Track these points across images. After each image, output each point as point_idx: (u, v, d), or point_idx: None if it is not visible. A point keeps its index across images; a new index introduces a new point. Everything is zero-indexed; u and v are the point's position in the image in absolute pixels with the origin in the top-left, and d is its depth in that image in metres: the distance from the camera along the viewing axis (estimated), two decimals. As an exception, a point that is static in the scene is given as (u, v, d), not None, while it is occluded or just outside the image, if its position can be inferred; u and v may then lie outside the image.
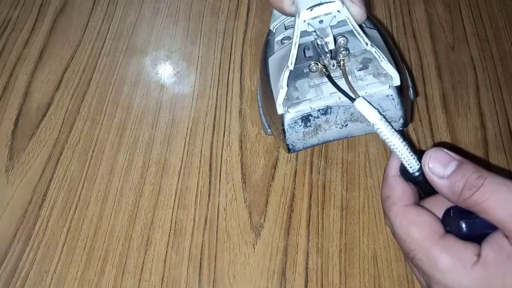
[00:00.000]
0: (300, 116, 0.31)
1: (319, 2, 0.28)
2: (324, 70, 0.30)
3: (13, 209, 0.39)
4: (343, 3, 0.28)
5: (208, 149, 0.43)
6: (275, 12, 0.41)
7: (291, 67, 0.30)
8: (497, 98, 0.46)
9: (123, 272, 0.37)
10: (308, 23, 0.29)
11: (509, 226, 0.23)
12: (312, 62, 0.31)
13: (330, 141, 0.33)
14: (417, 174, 0.27)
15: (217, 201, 0.40)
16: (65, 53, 0.48)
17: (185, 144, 0.43)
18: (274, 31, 0.40)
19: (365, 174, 0.41)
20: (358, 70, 0.31)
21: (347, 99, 0.29)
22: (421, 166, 0.27)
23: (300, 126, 0.32)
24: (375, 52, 0.30)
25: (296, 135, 0.32)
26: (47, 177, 0.41)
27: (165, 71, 0.48)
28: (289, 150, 0.33)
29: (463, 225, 0.25)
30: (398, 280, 0.37)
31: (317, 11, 0.28)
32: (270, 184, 0.41)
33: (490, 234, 0.24)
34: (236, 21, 0.51)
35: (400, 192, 0.27)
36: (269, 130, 0.38)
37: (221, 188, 0.41)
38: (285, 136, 0.32)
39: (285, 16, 0.36)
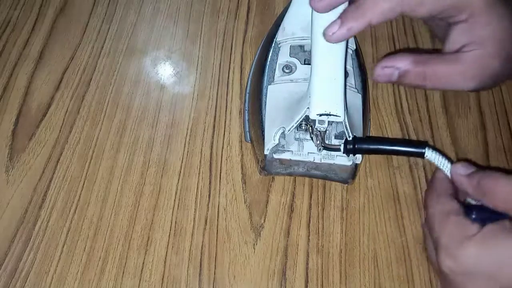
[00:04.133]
0: (279, 159, 0.38)
1: (328, 113, 0.34)
2: (315, 139, 0.36)
3: (13, 209, 0.39)
4: (345, 116, 0.34)
5: (208, 149, 0.43)
6: (285, 25, 0.41)
7: (287, 132, 0.37)
8: (497, 98, 0.46)
9: (123, 272, 0.37)
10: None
11: (509, 208, 0.28)
12: (303, 123, 0.37)
13: (297, 175, 0.40)
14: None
15: (217, 201, 0.40)
16: (65, 53, 0.48)
17: (185, 144, 0.43)
18: (279, 46, 0.42)
19: (365, 174, 0.41)
20: (335, 138, 0.38)
21: (319, 159, 0.37)
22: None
23: (276, 162, 0.38)
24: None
25: (271, 166, 0.39)
26: (47, 177, 0.41)
27: (165, 71, 0.48)
28: (260, 173, 0.40)
29: (474, 213, 0.30)
30: (398, 280, 0.37)
31: (325, 118, 0.34)
32: (270, 184, 0.41)
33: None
34: (236, 21, 0.51)
35: (443, 187, 0.33)
36: (249, 139, 0.42)
37: (221, 188, 0.41)
38: (263, 166, 0.39)
39: (294, 37, 0.38)
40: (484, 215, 0.30)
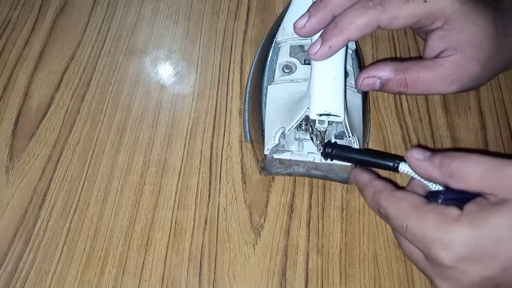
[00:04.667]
0: (279, 159, 0.38)
1: (328, 113, 0.34)
2: (315, 139, 0.36)
3: (13, 209, 0.39)
4: (345, 116, 0.34)
5: (208, 149, 0.43)
6: (285, 25, 0.42)
7: (287, 132, 0.37)
8: (497, 98, 0.46)
9: (123, 272, 0.37)
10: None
11: (484, 186, 0.27)
12: (303, 123, 0.37)
13: (297, 175, 0.40)
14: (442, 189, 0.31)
15: (217, 201, 0.40)
16: (65, 53, 0.48)
17: (185, 144, 0.43)
18: (279, 46, 0.42)
19: (365, 174, 0.41)
20: (334, 137, 0.37)
21: (319, 159, 0.37)
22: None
23: (276, 162, 0.38)
24: (354, 142, 0.36)
25: (271, 166, 0.39)
26: (47, 177, 0.41)
27: (165, 71, 0.48)
28: (260, 173, 0.40)
29: (440, 195, 0.29)
30: (398, 280, 0.37)
31: (325, 118, 0.34)
32: (270, 184, 0.41)
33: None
34: (236, 21, 0.51)
35: (382, 184, 0.32)
36: (249, 139, 0.42)
37: (221, 188, 0.41)
38: (263, 166, 0.39)
39: (294, 37, 0.38)
40: (450, 197, 0.29)
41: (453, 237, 0.26)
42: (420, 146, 0.33)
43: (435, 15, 0.33)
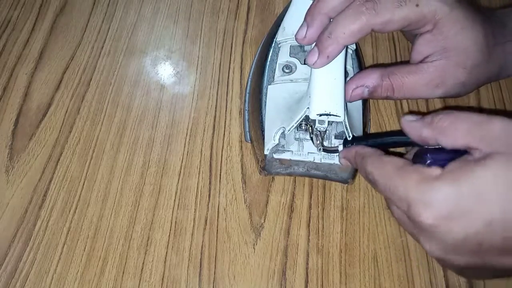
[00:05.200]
0: (279, 159, 0.38)
1: (328, 113, 0.34)
2: (315, 139, 0.37)
3: (13, 209, 0.39)
4: (345, 116, 0.34)
5: (208, 149, 0.43)
6: (285, 25, 0.42)
7: (287, 132, 0.37)
8: (497, 98, 0.46)
9: (123, 272, 0.37)
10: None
11: (470, 140, 0.26)
12: (303, 123, 0.37)
13: (297, 175, 0.40)
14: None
15: (217, 201, 0.40)
16: (65, 53, 0.48)
17: (185, 144, 0.43)
18: (279, 46, 0.42)
19: (365, 174, 0.41)
20: (334, 137, 0.38)
21: (319, 159, 0.37)
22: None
23: (276, 162, 0.38)
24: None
25: (271, 166, 0.39)
26: (47, 177, 0.41)
27: (165, 71, 0.48)
28: (260, 173, 0.40)
29: (428, 155, 0.28)
30: (398, 280, 0.37)
31: (325, 118, 0.34)
32: (270, 184, 0.41)
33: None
34: (236, 21, 0.51)
35: (370, 150, 0.32)
36: (249, 139, 0.42)
37: (221, 188, 0.41)
38: (263, 166, 0.39)
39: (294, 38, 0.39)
40: (438, 156, 0.28)
41: (433, 196, 0.26)
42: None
43: (426, 19, 0.33)
